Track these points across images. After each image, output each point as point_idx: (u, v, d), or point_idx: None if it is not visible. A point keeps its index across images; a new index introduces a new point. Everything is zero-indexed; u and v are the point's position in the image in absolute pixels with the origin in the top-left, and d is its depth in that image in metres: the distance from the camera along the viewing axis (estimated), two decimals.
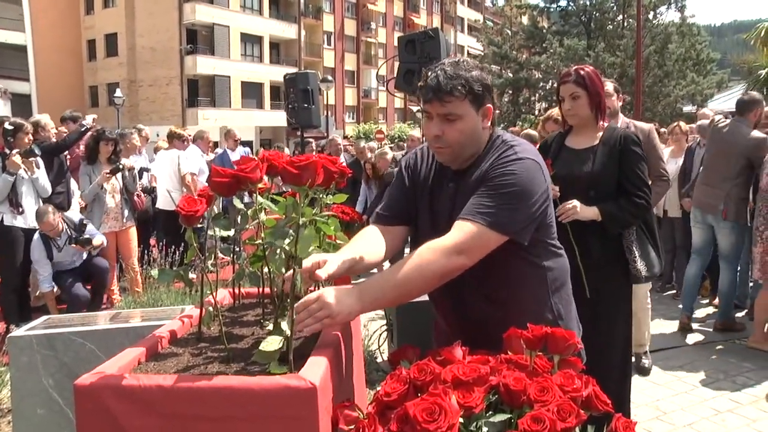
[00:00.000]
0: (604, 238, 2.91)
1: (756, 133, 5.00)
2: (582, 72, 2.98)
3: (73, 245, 5.50)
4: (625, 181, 2.90)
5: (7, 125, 5.69)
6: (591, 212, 2.85)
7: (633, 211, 2.89)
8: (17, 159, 5.44)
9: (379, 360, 4.56)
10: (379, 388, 1.46)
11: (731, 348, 4.98)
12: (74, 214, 5.94)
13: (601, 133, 3.00)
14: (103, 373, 1.51)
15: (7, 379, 3.83)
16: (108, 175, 6.10)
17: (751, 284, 5.73)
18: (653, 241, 3.10)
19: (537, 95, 34.03)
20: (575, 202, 2.85)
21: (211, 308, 1.80)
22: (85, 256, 5.76)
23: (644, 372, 4.46)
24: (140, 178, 7.38)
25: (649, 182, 3.05)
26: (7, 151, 5.55)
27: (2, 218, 5.53)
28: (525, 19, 36.53)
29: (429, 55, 4.98)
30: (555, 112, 5.20)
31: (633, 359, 4.36)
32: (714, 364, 4.64)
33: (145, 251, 6.33)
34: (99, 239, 5.74)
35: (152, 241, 7.69)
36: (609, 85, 4.29)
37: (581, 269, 2.86)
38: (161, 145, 8.76)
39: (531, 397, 1.42)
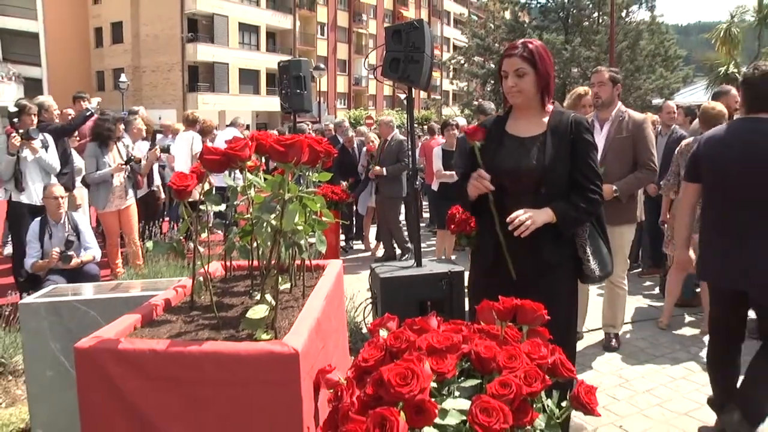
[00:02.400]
0: (557, 239, 2.42)
1: None
2: (531, 46, 2.41)
3: (55, 254, 4.92)
4: (578, 174, 2.42)
5: (11, 107, 5.61)
6: (545, 217, 2.34)
7: (588, 209, 2.42)
8: (16, 141, 5.34)
9: (364, 330, 4.57)
10: None
11: (688, 321, 5.03)
12: (80, 217, 5.49)
13: (547, 119, 2.48)
14: (101, 338, 1.50)
15: (20, 343, 3.83)
16: (122, 166, 6.02)
17: None
18: (605, 238, 2.60)
19: None
20: (529, 213, 2.31)
21: (201, 278, 1.79)
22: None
23: (610, 349, 4.39)
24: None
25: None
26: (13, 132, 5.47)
27: (10, 195, 5.47)
28: (507, 14, 36.33)
29: (414, 44, 4.91)
30: (582, 90, 4.84)
31: (603, 338, 4.47)
32: (672, 336, 4.69)
33: (146, 227, 6.27)
34: (90, 254, 5.21)
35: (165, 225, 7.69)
36: (605, 73, 4.19)
37: (506, 255, 2.46)
38: (178, 127, 8.85)
39: (500, 364, 1.42)
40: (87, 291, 3.29)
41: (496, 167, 2.43)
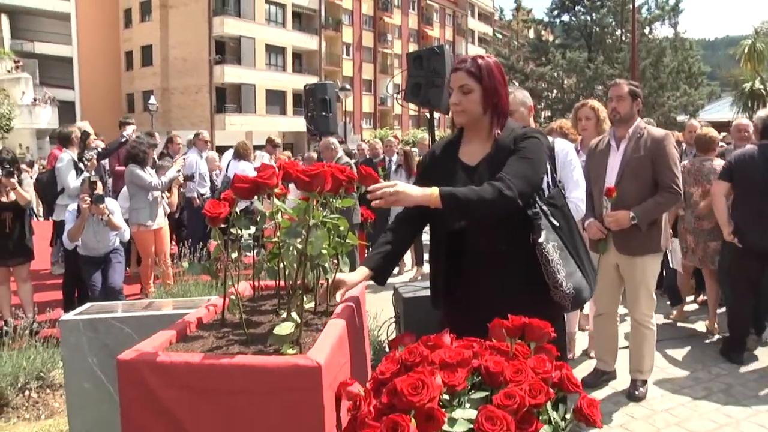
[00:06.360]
0: (524, 259, 2.13)
1: None
2: (480, 61, 2.20)
3: (86, 200, 5.04)
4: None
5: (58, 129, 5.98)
6: (419, 195, 2.02)
7: (484, 195, 2.02)
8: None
9: (387, 349, 4.67)
10: None
11: (709, 342, 5.04)
12: (110, 201, 5.52)
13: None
14: (141, 351, 1.64)
15: (57, 358, 4.03)
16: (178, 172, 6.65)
17: None
18: (579, 258, 2.21)
19: (541, 104, 34.09)
20: (398, 186, 2.01)
21: (233, 297, 1.93)
22: (111, 241, 5.40)
23: (635, 399, 3.89)
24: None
25: (532, 177, 2.10)
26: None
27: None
28: (531, 33, 36.50)
29: (435, 69, 5.05)
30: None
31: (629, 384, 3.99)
32: (692, 356, 4.71)
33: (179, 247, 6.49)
34: (119, 222, 5.36)
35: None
36: (624, 87, 3.82)
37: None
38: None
39: (507, 378, 1.52)
40: (122, 309, 3.45)
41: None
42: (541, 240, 2.08)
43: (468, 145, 2.29)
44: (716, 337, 5.12)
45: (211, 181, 8.66)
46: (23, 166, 7.15)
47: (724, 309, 5.56)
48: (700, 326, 5.41)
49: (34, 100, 30.31)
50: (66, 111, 32.35)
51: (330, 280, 2.11)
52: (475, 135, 2.27)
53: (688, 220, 5.33)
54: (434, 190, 2.01)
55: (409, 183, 2.16)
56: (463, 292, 2.29)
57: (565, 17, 33.79)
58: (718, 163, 5.15)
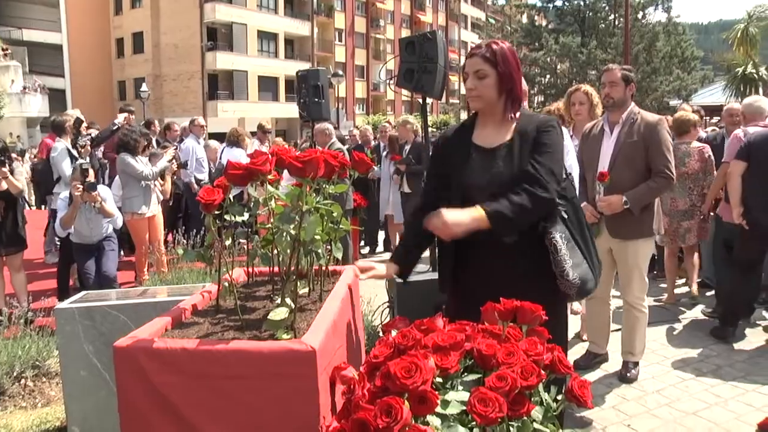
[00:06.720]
0: (532, 246, 2.16)
1: None
2: (494, 47, 2.23)
3: (78, 187, 5.06)
4: (529, 166, 2.13)
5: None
6: (468, 220, 2.03)
7: (524, 204, 2.05)
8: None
9: (381, 334, 4.69)
10: None
11: (699, 324, 5.10)
12: (103, 189, 5.55)
13: (515, 125, 2.23)
14: (137, 337, 1.66)
15: (52, 347, 4.04)
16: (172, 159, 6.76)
17: None
18: (586, 248, 2.26)
19: (534, 89, 34.07)
20: (446, 216, 2.02)
21: (227, 283, 1.94)
22: (104, 228, 5.42)
23: (626, 381, 3.94)
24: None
25: (560, 174, 2.17)
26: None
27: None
28: (524, 18, 36.40)
29: (427, 55, 5.02)
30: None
31: (621, 366, 4.03)
32: (683, 339, 4.75)
33: (172, 233, 6.48)
34: (111, 209, 5.37)
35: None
36: (617, 72, 3.80)
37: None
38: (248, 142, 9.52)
39: (499, 360, 1.54)
40: (117, 297, 3.46)
41: (466, 185, 2.19)
42: (551, 230, 2.14)
43: (482, 129, 2.30)
44: (700, 309, 5.35)
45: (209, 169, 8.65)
46: (14, 155, 7.14)
47: (713, 292, 5.66)
48: (690, 309, 5.46)
49: (24, 88, 30.08)
50: (56, 99, 32.13)
51: (324, 266, 2.13)
52: (490, 119, 2.28)
53: (665, 202, 5.41)
54: (481, 213, 2.03)
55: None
56: (474, 270, 2.27)
57: (558, 2, 33.73)
58: (695, 146, 5.36)
